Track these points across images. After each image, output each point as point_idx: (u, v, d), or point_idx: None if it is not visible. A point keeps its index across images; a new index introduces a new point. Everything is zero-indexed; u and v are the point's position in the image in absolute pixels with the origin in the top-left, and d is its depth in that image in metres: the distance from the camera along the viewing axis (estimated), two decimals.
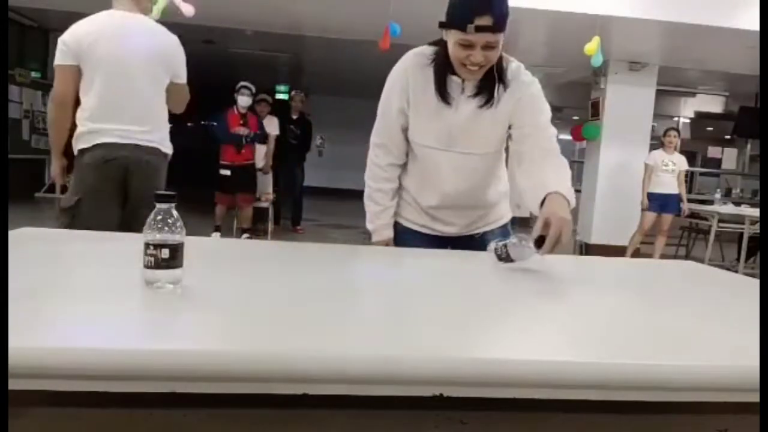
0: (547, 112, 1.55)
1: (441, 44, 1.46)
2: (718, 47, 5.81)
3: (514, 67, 1.52)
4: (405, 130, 1.59)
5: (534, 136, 1.51)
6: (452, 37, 1.38)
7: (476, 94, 1.48)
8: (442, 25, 1.39)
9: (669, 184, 6.07)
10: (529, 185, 1.43)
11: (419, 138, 1.57)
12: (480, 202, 1.68)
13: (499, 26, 1.34)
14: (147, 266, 0.87)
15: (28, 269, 0.98)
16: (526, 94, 1.51)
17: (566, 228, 1.23)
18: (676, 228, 6.32)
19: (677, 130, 6.34)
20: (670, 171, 6.04)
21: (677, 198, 6.11)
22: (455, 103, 1.48)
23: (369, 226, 1.70)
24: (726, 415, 0.74)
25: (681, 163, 6.12)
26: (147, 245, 0.87)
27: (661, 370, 0.69)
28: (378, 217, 1.68)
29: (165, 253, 0.87)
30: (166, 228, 0.87)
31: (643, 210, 6.22)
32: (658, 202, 6.09)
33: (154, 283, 0.87)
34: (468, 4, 1.33)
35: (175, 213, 0.89)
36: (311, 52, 9.12)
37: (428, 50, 1.52)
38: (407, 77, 1.51)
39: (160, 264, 0.86)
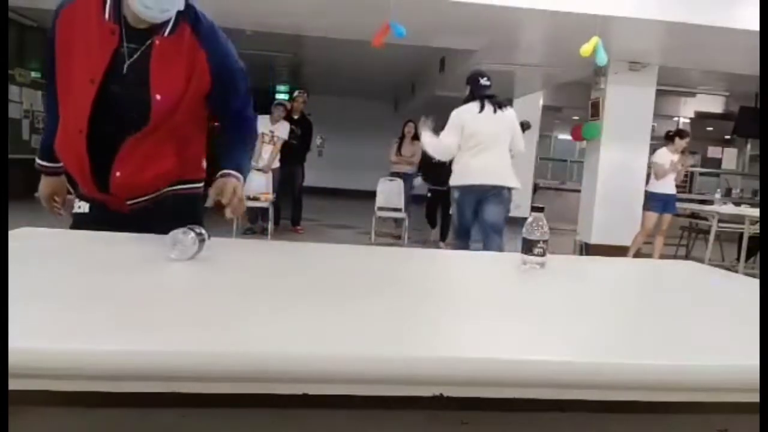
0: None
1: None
2: (718, 47, 5.81)
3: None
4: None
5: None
6: None
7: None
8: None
9: (670, 183, 6.11)
10: None
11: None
12: None
13: None
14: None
15: (28, 269, 0.98)
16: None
17: None
18: (676, 228, 6.33)
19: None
20: (673, 171, 6.08)
21: (676, 198, 6.16)
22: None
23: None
24: (726, 415, 0.74)
25: (682, 161, 6.19)
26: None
27: (661, 370, 0.69)
28: None
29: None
30: None
31: (645, 210, 6.23)
32: (661, 202, 6.09)
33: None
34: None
35: None
36: (311, 52, 9.13)
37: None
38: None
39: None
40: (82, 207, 1.55)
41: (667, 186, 6.08)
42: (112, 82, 1.37)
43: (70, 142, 1.42)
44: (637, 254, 6.33)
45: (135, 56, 1.37)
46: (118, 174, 1.42)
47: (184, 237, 1.13)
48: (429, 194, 6.91)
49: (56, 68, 1.43)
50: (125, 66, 1.37)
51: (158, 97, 1.38)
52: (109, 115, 1.38)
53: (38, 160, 1.60)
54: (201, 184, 1.64)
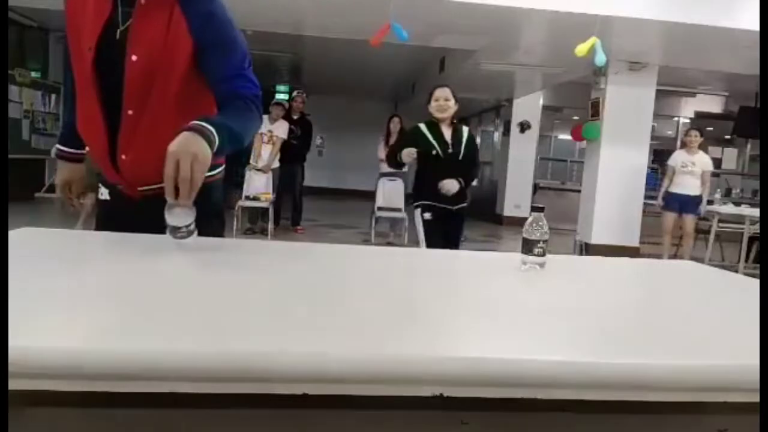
0: None
1: None
2: (718, 47, 5.81)
3: None
4: None
5: None
6: None
7: None
8: None
9: (689, 185, 6.03)
10: None
11: None
12: None
13: None
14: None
15: (28, 269, 0.98)
16: None
17: None
18: (676, 228, 6.30)
19: (699, 129, 6.29)
20: (689, 172, 6.01)
21: (698, 199, 6.04)
22: None
23: None
24: (726, 415, 0.74)
25: (703, 162, 6.07)
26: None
27: (661, 370, 0.69)
28: None
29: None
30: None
31: (661, 211, 6.19)
32: (677, 203, 6.05)
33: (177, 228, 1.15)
34: None
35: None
36: (311, 52, 9.13)
37: None
38: None
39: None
40: (104, 194, 1.53)
41: (684, 187, 6.03)
42: (107, 48, 1.33)
43: (87, 116, 1.40)
44: (637, 254, 6.34)
45: (129, 21, 1.33)
46: (123, 157, 1.40)
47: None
48: (428, 215, 3.60)
49: (69, 42, 1.40)
50: (118, 31, 1.33)
51: (134, 57, 1.33)
52: (109, 83, 1.34)
53: (57, 145, 1.59)
54: (216, 172, 1.54)
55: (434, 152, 3.47)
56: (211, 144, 1.17)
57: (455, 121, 3.61)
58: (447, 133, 3.55)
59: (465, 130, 3.66)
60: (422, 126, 3.57)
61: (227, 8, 1.42)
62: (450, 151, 3.50)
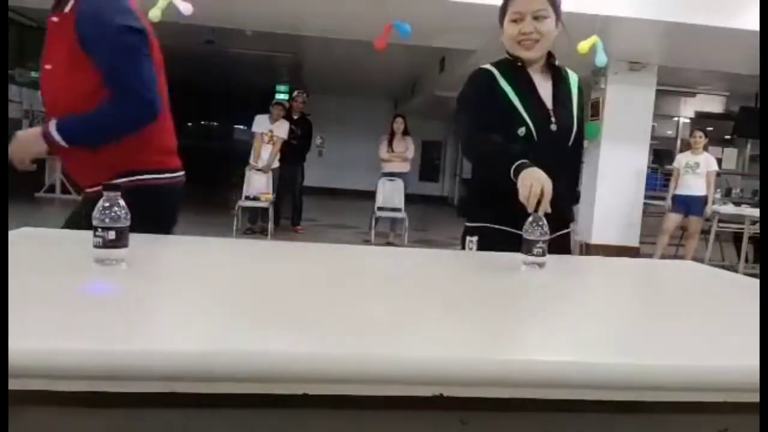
0: None
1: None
2: (718, 47, 5.81)
3: None
4: None
5: None
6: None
7: None
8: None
9: (694, 185, 6.00)
10: None
11: None
12: None
13: None
14: (96, 246, 0.98)
15: (28, 269, 0.98)
16: None
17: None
18: (676, 228, 6.28)
19: (703, 131, 6.25)
20: (692, 172, 5.98)
21: (704, 200, 6.00)
22: None
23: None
24: (726, 415, 0.74)
25: (708, 163, 6.04)
26: (96, 228, 0.98)
27: (661, 370, 0.69)
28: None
29: (112, 234, 0.98)
30: (113, 214, 0.99)
31: (666, 211, 6.18)
32: (683, 204, 6.03)
33: (104, 260, 0.99)
34: None
35: (121, 202, 1.00)
36: (311, 52, 9.13)
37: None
38: None
39: (107, 244, 0.99)
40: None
41: (689, 188, 6.00)
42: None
43: None
44: (637, 254, 6.33)
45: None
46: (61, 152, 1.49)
47: None
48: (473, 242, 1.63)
49: None
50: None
51: (48, 66, 1.47)
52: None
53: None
54: (162, 176, 1.54)
55: (522, 130, 1.57)
56: (48, 137, 1.42)
57: (553, 61, 1.75)
58: (544, 86, 1.69)
59: (574, 79, 1.80)
60: (495, 71, 1.66)
61: (114, 10, 1.41)
62: (553, 126, 1.61)
